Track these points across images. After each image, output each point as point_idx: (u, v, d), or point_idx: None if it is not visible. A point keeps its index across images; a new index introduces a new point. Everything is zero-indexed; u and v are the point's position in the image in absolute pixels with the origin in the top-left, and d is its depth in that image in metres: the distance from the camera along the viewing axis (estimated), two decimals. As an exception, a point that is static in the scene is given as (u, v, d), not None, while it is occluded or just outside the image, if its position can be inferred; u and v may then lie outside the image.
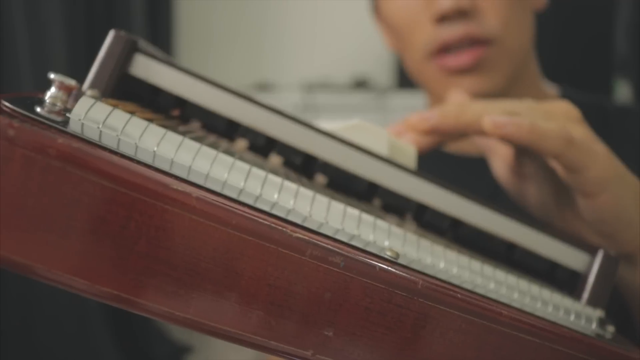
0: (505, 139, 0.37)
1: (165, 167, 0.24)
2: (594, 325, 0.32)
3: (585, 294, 0.35)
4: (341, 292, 0.23)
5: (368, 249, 0.26)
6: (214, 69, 1.91)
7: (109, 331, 1.61)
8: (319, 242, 0.23)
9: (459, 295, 0.25)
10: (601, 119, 0.64)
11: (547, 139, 0.36)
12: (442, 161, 0.65)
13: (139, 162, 0.21)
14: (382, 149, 0.36)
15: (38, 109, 0.24)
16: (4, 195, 0.19)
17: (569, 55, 1.70)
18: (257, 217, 0.22)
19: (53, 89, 0.25)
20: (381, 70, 1.95)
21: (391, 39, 0.64)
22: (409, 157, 0.38)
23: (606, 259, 0.35)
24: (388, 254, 0.26)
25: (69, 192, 0.19)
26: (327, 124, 0.42)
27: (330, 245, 0.23)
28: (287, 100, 1.83)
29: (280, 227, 0.22)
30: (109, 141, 0.23)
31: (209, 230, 0.21)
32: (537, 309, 0.30)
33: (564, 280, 0.37)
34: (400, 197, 0.35)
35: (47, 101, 0.25)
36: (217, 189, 0.24)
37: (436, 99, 0.64)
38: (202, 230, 0.21)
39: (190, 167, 0.24)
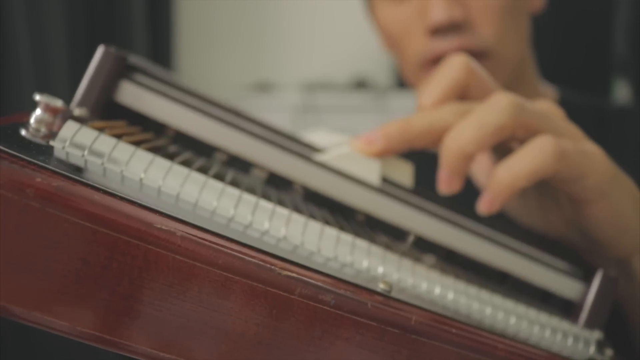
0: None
1: (153, 194, 0.23)
2: (591, 350, 0.31)
3: (583, 316, 0.34)
4: (332, 331, 0.22)
5: (361, 276, 0.26)
6: (214, 69, 1.90)
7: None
8: (308, 280, 0.22)
9: (453, 330, 0.25)
10: (599, 121, 0.64)
11: (531, 163, 0.33)
12: (436, 167, 0.64)
13: (122, 198, 0.20)
14: (373, 177, 0.35)
15: (23, 132, 0.23)
16: (-20, 236, 0.18)
17: (568, 55, 1.69)
18: (244, 254, 0.21)
19: (38, 111, 0.24)
20: (381, 71, 1.94)
21: (386, 43, 0.63)
22: (406, 174, 0.37)
23: (605, 280, 0.35)
24: (381, 287, 0.25)
25: (48, 233, 0.19)
26: (327, 139, 0.41)
27: (320, 282, 0.22)
28: (286, 100, 1.82)
29: (268, 265, 0.21)
30: (94, 168, 0.22)
31: (194, 270, 0.20)
32: (534, 333, 0.30)
33: (562, 301, 0.36)
34: (392, 226, 0.35)
35: (32, 125, 0.24)
36: (206, 216, 0.24)
37: None
38: (187, 270, 0.20)
39: (178, 194, 0.24)
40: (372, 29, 0.66)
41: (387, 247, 0.32)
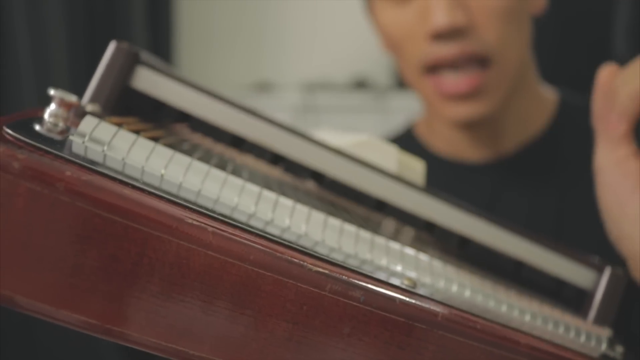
0: None
1: (173, 190, 0.23)
2: (603, 346, 0.31)
3: (592, 312, 0.35)
4: (360, 327, 0.22)
5: (381, 273, 0.26)
6: (214, 69, 1.90)
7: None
8: (339, 276, 0.22)
9: (478, 326, 0.25)
10: None
11: None
12: (437, 167, 0.65)
13: (152, 193, 0.20)
14: (391, 165, 0.35)
15: (37, 127, 0.23)
16: (7, 232, 0.18)
17: (568, 56, 1.69)
18: (275, 250, 0.21)
19: (53, 106, 0.24)
20: (381, 71, 1.94)
21: (386, 44, 0.63)
22: (418, 173, 0.37)
23: (613, 277, 0.35)
24: (405, 283, 0.25)
25: (78, 228, 0.18)
26: (336, 137, 0.41)
27: (350, 278, 0.22)
28: (286, 100, 1.82)
29: (298, 261, 0.21)
30: (113, 164, 0.22)
31: (226, 265, 0.20)
32: (548, 331, 0.30)
33: (571, 298, 0.36)
34: (408, 215, 0.35)
35: (48, 119, 0.24)
36: (227, 212, 0.23)
37: (432, 110, 0.63)
38: (218, 266, 0.19)
39: (199, 191, 0.23)
40: (372, 29, 0.65)
41: (399, 235, 0.31)
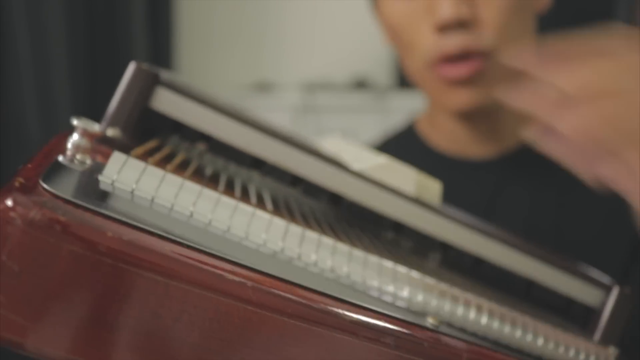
0: None
1: (201, 227, 0.23)
2: None
3: (599, 332, 0.35)
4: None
5: (408, 308, 0.26)
6: (214, 69, 1.89)
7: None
8: (372, 322, 0.22)
9: None
10: None
11: None
12: (438, 164, 0.65)
13: (190, 247, 0.20)
14: (409, 188, 0.36)
15: (61, 159, 0.23)
16: (51, 292, 0.18)
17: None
18: (310, 301, 0.21)
19: (76, 137, 0.24)
20: (381, 71, 1.94)
21: (391, 38, 0.63)
22: (434, 194, 0.37)
23: (621, 296, 0.36)
24: (430, 322, 0.26)
25: (120, 287, 0.18)
26: (349, 149, 0.41)
27: (381, 324, 0.22)
28: (286, 100, 1.81)
29: (335, 310, 0.21)
30: (141, 202, 0.22)
31: (264, 319, 0.20)
32: (559, 354, 0.30)
33: (578, 315, 0.37)
34: (424, 237, 0.35)
35: (73, 154, 0.24)
36: (253, 247, 0.23)
37: (435, 104, 0.63)
38: (257, 319, 0.20)
39: (228, 228, 0.23)
40: (375, 26, 0.65)
41: (419, 261, 0.32)
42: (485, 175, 0.63)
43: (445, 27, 0.53)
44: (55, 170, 0.22)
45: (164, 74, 0.32)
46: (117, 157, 0.23)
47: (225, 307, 0.19)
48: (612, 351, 0.33)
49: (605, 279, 0.37)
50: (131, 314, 0.18)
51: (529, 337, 0.30)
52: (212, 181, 0.30)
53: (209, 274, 0.19)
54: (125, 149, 0.26)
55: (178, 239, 0.20)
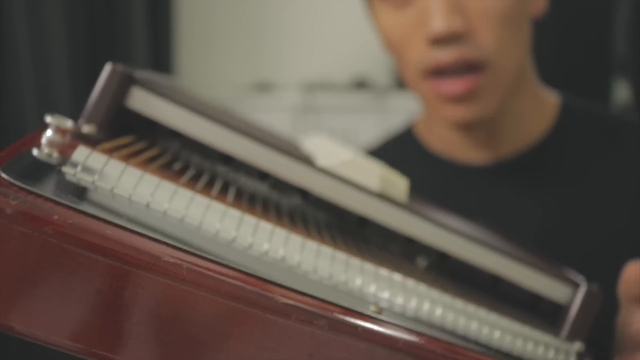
0: None
1: (159, 217, 0.25)
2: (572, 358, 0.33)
3: (566, 328, 0.36)
4: (323, 353, 0.24)
5: (354, 295, 0.28)
6: (214, 69, 1.91)
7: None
8: (304, 307, 0.24)
9: (438, 351, 0.26)
10: (602, 129, 0.64)
11: None
12: (434, 167, 0.66)
13: (132, 231, 0.22)
14: (374, 183, 0.37)
15: (36, 153, 0.25)
16: (4, 269, 0.20)
17: (567, 55, 1.70)
18: (244, 282, 0.23)
19: (49, 133, 0.26)
20: (381, 71, 1.95)
21: (386, 46, 0.63)
22: (401, 189, 0.39)
23: (589, 294, 0.37)
24: (372, 309, 0.27)
25: (65, 265, 0.20)
26: (327, 148, 0.42)
27: (315, 307, 0.24)
28: (286, 100, 1.83)
29: (268, 294, 0.23)
30: (104, 192, 0.24)
31: (199, 298, 0.22)
32: (517, 346, 0.31)
33: (548, 311, 0.38)
34: (388, 231, 0.37)
35: (44, 148, 0.26)
36: (209, 237, 0.25)
37: (430, 112, 0.64)
38: (192, 298, 0.22)
39: (183, 217, 0.25)
40: (373, 29, 0.66)
41: (380, 252, 0.33)
42: (481, 181, 0.63)
43: (437, 41, 0.53)
44: (19, 161, 0.24)
45: (141, 74, 0.34)
46: (81, 151, 0.25)
47: (161, 286, 0.21)
48: (576, 347, 0.34)
49: (574, 276, 0.38)
50: (77, 289, 0.20)
51: (485, 330, 0.31)
52: (177, 175, 0.32)
53: (146, 254, 0.21)
54: (97, 144, 0.28)
55: (121, 222, 0.22)
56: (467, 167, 0.64)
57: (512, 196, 0.62)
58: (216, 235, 0.26)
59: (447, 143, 0.65)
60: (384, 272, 0.30)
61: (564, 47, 1.68)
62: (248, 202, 0.33)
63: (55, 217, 0.20)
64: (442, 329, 0.30)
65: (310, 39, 1.98)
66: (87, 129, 0.31)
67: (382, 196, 0.36)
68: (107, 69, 0.33)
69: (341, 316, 0.24)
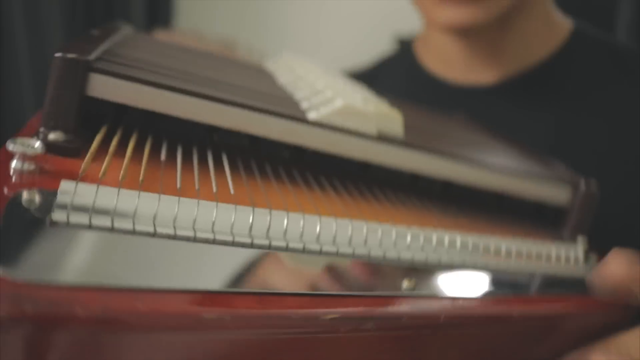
0: None
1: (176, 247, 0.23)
2: (581, 260, 0.34)
3: (568, 228, 0.38)
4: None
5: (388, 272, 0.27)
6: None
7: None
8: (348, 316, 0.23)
9: (477, 311, 0.28)
10: (613, 57, 0.60)
11: None
12: (432, 89, 0.61)
13: (166, 291, 0.21)
14: (370, 126, 0.34)
15: (9, 206, 0.21)
16: None
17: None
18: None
19: (16, 164, 0.22)
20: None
21: None
22: (396, 124, 0.36)
23: (587, 189, 0.38)
24: (405, 285, 0.27)
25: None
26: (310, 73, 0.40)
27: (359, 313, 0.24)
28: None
29: (315, 312, 0.23)
30: (102, 226, 0.21)
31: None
32: (528, 265, 0.32)
33: (554, 218, 0.39)
34: (390, 172, 0.35)
35: (22, 192, 0.21)
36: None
37: (427, 22, 0.59)
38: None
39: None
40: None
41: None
42: (483, 104, 0.59)
43: None
44: (10, 232, 0.20)
45: (99, 56, 0.29)
46: (65, 187, 0.21)
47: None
48: (580, 240, 0.36)
49: (570, 175, 0.39)
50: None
51: (492, 261, 0.31)
52: (168, 164, 0.28)
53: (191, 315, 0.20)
54: (74, 153, 0.25)
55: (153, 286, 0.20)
56: (467, 89, 0.60)
57: (516, 117, 0.57)
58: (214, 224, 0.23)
59: (446, 61, 0.61)
60: (388, 227, 0.28)
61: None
62: (272, 175, 0.31)
63: (79, 309, 0.18)
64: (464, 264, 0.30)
65: (311, 39, 1.96)
66: (53, 136, 0.26)
67: (381, 138, 0.34)
68: (57, 60, 0.27)
69: (381, 309, 0.24)
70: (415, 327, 0.25)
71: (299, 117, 0.32)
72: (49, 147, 0.25)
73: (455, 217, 0.34)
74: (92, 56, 0.28)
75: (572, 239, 0.37)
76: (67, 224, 0.21)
